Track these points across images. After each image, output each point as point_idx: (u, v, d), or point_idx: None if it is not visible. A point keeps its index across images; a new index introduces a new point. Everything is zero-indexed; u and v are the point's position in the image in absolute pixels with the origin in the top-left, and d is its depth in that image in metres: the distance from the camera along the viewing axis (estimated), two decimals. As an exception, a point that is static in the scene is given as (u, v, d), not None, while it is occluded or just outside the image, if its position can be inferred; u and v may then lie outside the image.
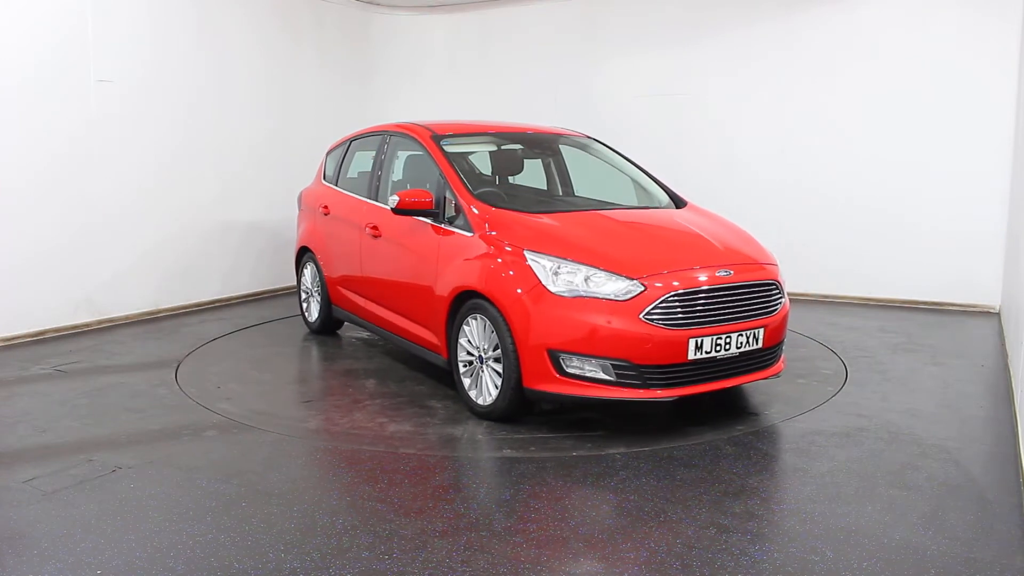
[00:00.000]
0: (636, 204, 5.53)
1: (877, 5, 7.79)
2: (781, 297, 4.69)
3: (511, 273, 4.42)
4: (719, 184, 8.62)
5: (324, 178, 6.89)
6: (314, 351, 6.49)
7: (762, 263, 4.70)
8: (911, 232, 7.81)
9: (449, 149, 5.48)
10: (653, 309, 4.17)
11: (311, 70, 9.16)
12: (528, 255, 4.41)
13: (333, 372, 5.94)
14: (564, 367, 4.26)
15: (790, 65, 8.21)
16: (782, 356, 4.89)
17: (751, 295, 4.48)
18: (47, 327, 6.66)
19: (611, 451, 4.14)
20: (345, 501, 3.58)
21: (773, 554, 3.06)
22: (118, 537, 3.20)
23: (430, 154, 5.40)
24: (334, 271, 6.44)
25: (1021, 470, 3.82)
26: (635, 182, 5.82)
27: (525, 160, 6.05)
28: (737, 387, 5.07)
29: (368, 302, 5.97)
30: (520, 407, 4.53)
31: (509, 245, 4.53)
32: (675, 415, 4.75)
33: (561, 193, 6.05)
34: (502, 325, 4.40)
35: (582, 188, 6.17)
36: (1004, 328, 6.57)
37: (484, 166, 6.08)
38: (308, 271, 6.89)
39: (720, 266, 4.46)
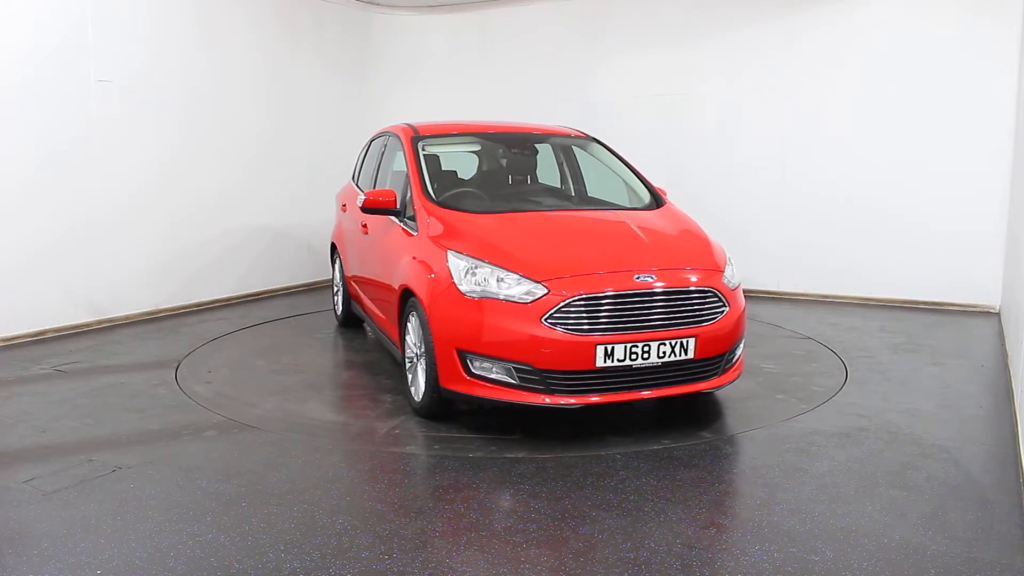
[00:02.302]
0: (607, 204, 5.52)
1: (877, 5, 7.79)
2: (721, 306, 4.42)
3: (433, 272, 4.47)
4: (719, 184, 8.63)
5: (352, 177, 7.06)
6: (323, 344, 6.57)
7: (699, 269, 4.48)
8: (911, 232, 7.82)
9: (429, 149, 5.57)
10: (556, 313, 4.08)
11: (311, 70, 9.16)
12: (449, 255, 4.43)
13: (324, 364, 6.02)
14: (471, 368, 4.25)
15: (790, 65, 8.22)
16: (733, 367, 4.62)
17: (677, 302, 4.27)
18: (47, 327, 6.66)
19: (513, 455, 4.09)
20: (345, 501, 3.58)
21: (773, 554, 3.06)
22: (118, 537, 3.20)
23: (404, 154, 5.49)
24: (348, 267, 6.63)
25: (1021, 470, 3.82)
26: (616, 181, 5.77)
27: (514, 159, 6.04)
28: (719, 391, 5.02)
29: (364, 296, 6.14)
30: (441, 406, 4.54)
31: (439, 245, 4.57)
32: (674, 416, 4.74)
33: (568, 191, 6.00)
34: (425, 323, 4.45)
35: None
36: (1004, 328, 6.57)
37: (480, 164, 6.11)
38: (336, 266, 7.14)
39: (643, 271, 4.28)
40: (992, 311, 7.53)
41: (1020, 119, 6.61)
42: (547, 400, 4.14)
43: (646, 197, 5.47)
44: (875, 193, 7.93)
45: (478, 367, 4.23)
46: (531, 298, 4.13)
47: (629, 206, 5.39)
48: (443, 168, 5.74)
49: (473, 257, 4.35)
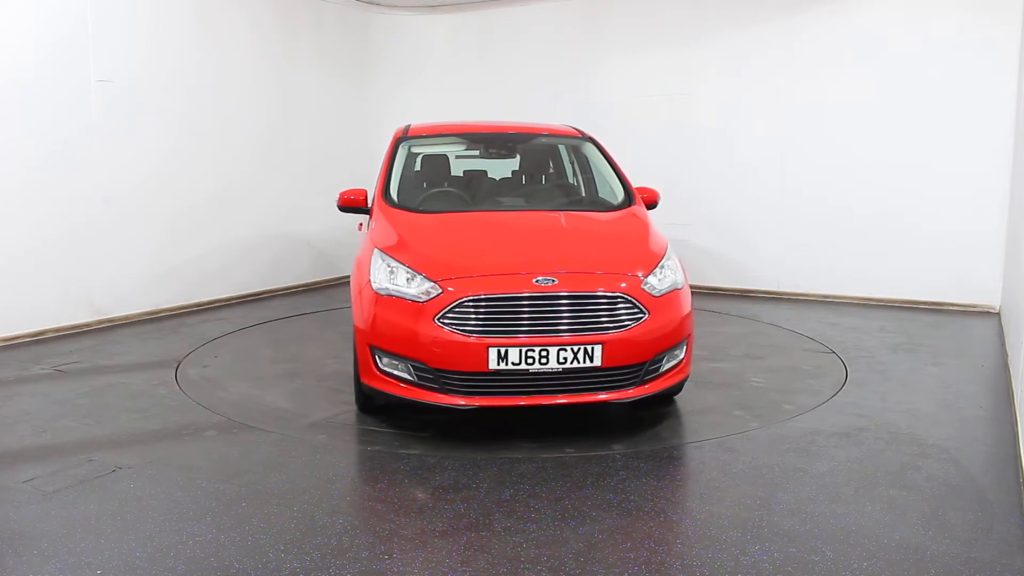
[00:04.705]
0: (569, 204, 5.49)
1: (877, 6, 7.79)
2: (637, 313, 4.19)
3: (360, 270, 4.58)
4: (719, 184, 8.63)
5: None
6: (338, 337, 6.67)
7: (616, 274, 4.29)
8: (911, 232, 7.82)
9: (416, 149, 5.63)
10: (448, 313, 4.08)
11: (311, 70, 9.16)
12: (374, 253, 4.51)
13: (322, 356, 6.11)
14: (379, 364, 4.32)
15: (790, 65, 8.22)
16: (660, 378, 4.36)
17: (579, 307, 4.12)
18: (47, 327, 6.66)
19: (408, 451, 4.14)
20: (345, 501, 3.58)
21: (773, 554, 3.06)
22: (118, 537, 3.20)
23: (386, 154, 5.55)
24: None
25: (1021, 470, 3.82)
26: (600, 180, 5.70)
27: (499, 158, 6.01)
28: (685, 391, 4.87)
29: None
30: (366, 400, 4.64)
31: (372, 243, 4.66)
32: (674, 417, 4.74)
33: (545, 190, 5.87)
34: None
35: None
36: (1004, 328, 6.57)
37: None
38: None
39: (548, 274, 4.16)
40: (992, 311, 7.53)
41: (1020, 119, 6.61)
42: (456, 400, 4.15)
43: (619, 198, 5.35)
44: (875, 193, 7.93)
45: (385, 363, 4.30)
46: (427, 297, 4.17)
47: (594, 207, 5.37)
48: (429, 168, 5.76)
49: (392, 256, 4.42)
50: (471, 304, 4.08)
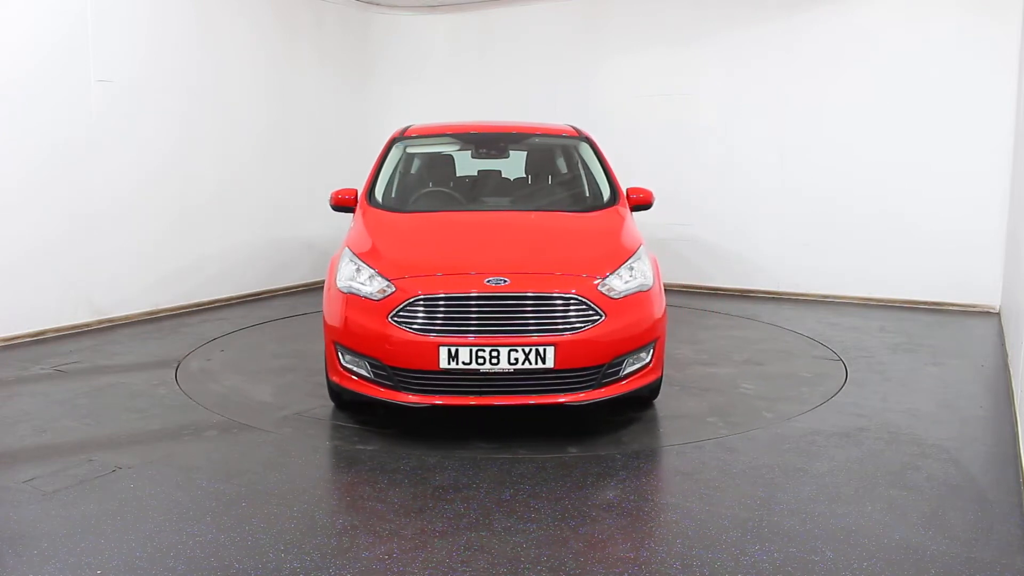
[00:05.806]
0: (550, 204, 5.41)
1: (877, 6, 7.80)
2: (593, 315, 4.12)
3: (332, 268, 4.66)
4: (719, 184, 8.63)
5: None
6: None
7: (567, 275, 4.23)
8: (911, 232, 7.82)
9: (412, 150, 5.67)
10: (400, 311, 4.13)
11: (311, 70, 9.15)
12: (344, 252, 4.59)
13: (317, 354, 6.04)
14: (342, 361, 4.39)
15: (790, 65, 8.22)
16: (621, 382, 4.27)
17: (531, 308, 4.10)
18: (47, 327, 6.66)
19: (364, 446, 4.15)
20: (345, 501, 3.58)
21: (773, 554, 3.06)
22: (118, 537, 3.20)
23: (379, 154, 5.58)
24: None
25: (1021, 470, 3.82)
26: (586, 180, 5.67)
27: (491, 158, 6.00)
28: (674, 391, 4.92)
29: None
30: (335, 395, 4.72)
31: (345, 242, 4.74)
32: (640, 422, 4.73)
33: (532, 190, 5.82)
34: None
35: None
36: (1004, 328, 6.57)
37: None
38: None
39: (500, 274, 4.15)
40: (992, 311, 7.53)
41: (1020, 119, 6.61)
42: (408, 398, 4.18)
43: (604, 199, 5.29)
44: (875, 193, 7.93)
45: (348, 360, 4.37)
46: (382, 295, 4.22)
47: (576, 207, 5.32)
48: (424, 168, 5.75)
49: (358, 255, 4.49)
50: (422, 303, 4.13)
